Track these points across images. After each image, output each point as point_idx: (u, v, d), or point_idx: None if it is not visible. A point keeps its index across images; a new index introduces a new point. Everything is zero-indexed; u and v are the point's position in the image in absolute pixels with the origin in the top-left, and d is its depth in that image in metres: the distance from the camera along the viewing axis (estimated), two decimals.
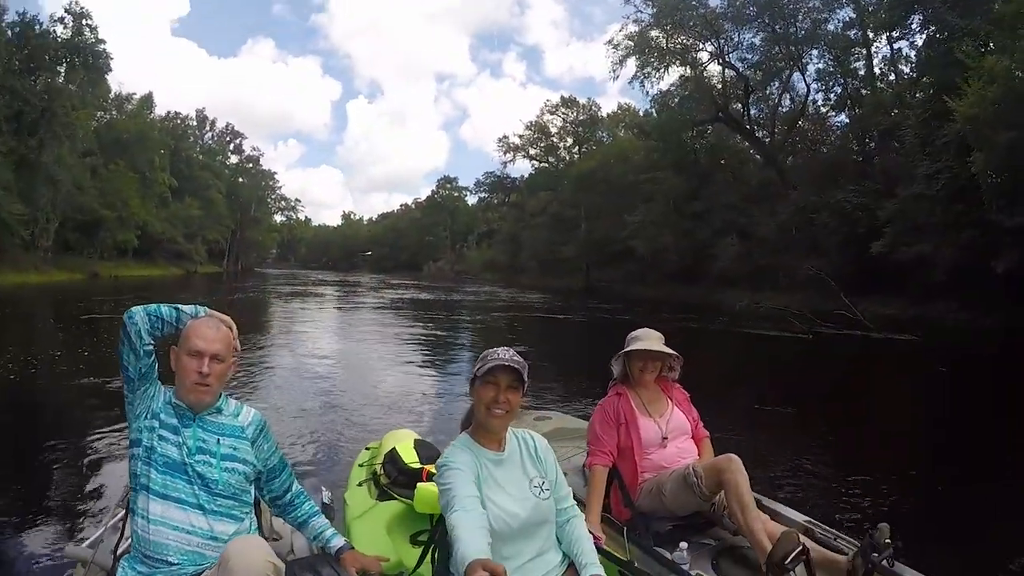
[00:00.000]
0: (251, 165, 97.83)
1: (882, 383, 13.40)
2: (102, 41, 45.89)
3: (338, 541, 2.64)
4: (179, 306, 2.42)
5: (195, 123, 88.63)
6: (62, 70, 44.86)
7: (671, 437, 3.59)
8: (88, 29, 44.71)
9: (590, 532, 2.64)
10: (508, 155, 76.08)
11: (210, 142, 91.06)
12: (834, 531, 3.22)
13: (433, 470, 2.71)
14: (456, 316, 28.20)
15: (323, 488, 3.64)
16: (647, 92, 47.83)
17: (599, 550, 2.70)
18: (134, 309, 2.34)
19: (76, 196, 46.27)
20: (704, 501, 3.27)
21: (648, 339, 3.64)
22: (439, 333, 20.72)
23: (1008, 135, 19.77)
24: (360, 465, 4.16)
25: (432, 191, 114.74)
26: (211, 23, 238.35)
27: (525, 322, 26.88)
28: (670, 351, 3.66)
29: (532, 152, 74.64)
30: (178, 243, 68.64)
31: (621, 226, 47.32)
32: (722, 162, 46.79)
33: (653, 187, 46.10)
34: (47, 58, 41.60)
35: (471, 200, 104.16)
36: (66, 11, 43.99)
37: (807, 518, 3.37)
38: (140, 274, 55.18)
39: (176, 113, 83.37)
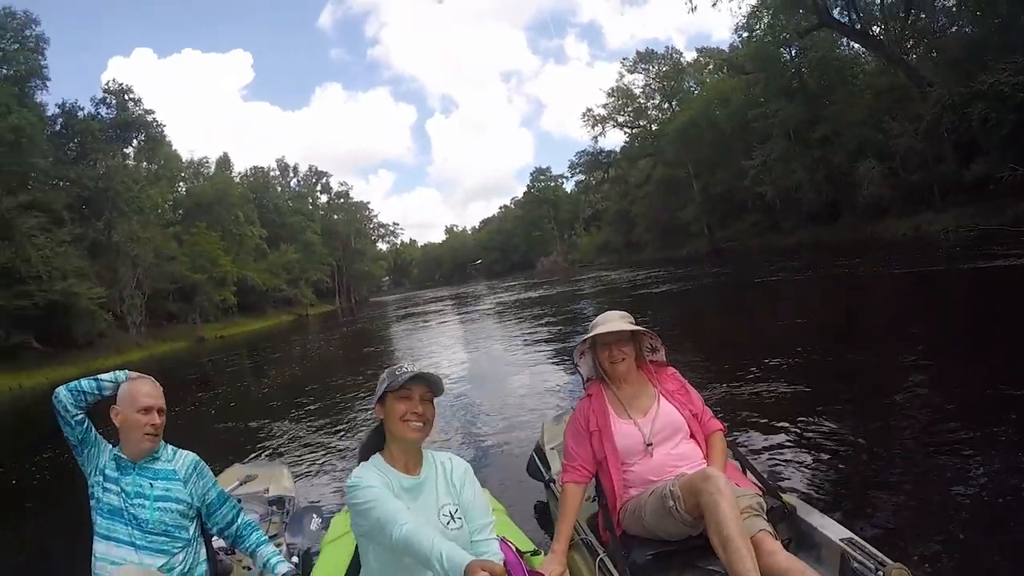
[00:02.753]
0: (342, 200, 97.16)
1: None
2: (150, 111, 45.76)
3: (282, 568, 2.85)
4: (99, 377, 2.81)
5: (277, 172, 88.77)
6: (129, 149, 45.94)
7: (658, 441, 3.02)
8: (132, 103, 44.29)
9: (536, 571, 2.62)
10: (596, 128, 69.76)
11: (296, 187, 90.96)
12: (879, 556, 2.49)
13: None
14: (558, 312, 24.75)
15: (314, 516, 4.13)
16: (735, 10, 41.67)
17: None
18: (58, 389, 2.73)
19: (164, 266, 46.01)
20: (690, 527, 2.68)
21: (608, 321, 3.13)
22: (536, 335, 17.65)
23: None
24: None
25: (528, 185, 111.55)
26: (277, 83, 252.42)
27: (628, 305, 22.49)
28: (637, 328, 3.10)
29: (620, 119, 68.44)
30: (283, 290, 68.72)
31: (740, 174, 41.81)
32: (821, 82, 39.53)
33: (767, 122, 39.87)
34: (93, 139, 40.99)
35: (568, 186, 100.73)
36: (105, 91, 43.84)
37: (847, 535, 2.69)
38: (248, 328, 55.08)
39: (257, 167, 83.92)
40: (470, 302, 42.99)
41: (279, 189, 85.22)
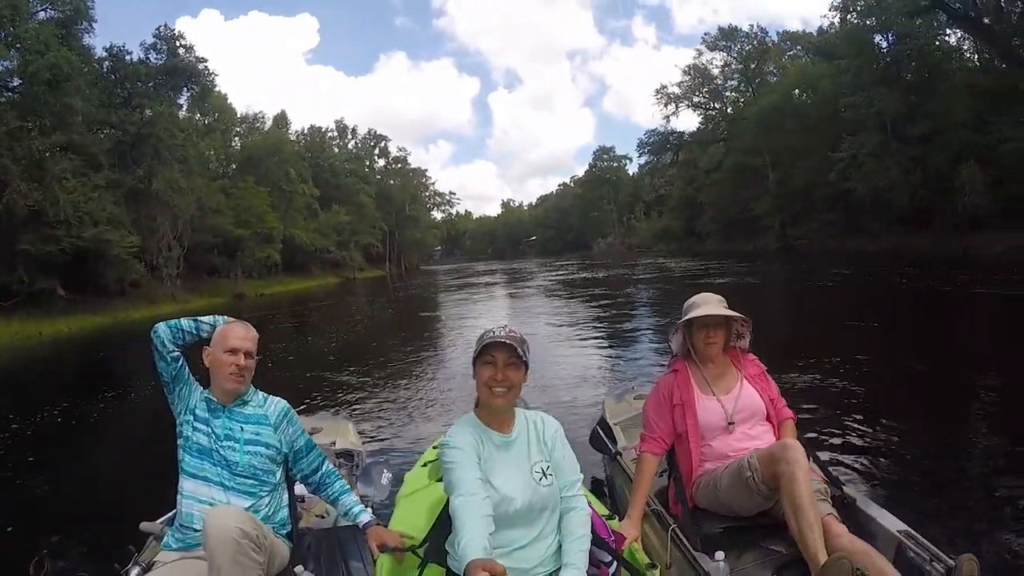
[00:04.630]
0: (399, 165, 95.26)
1: None
2: (202, 60, 44.00)
3: (364, 517, 2.97)
4: (198, 318, 2.91)
5: (335, 133, 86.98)
6: (183, 100, 45.28)
7: (739, 420, 3.12)
8: (183, 49, 42.70)
9: (617, 532, 2.79)
10: (669, 107, 64.49)
11: (353, 150, 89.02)
12: (933, 549, 2.59)
13: None
14: (611, 295, 24.71)
15: (385, 471, 3.86)
16: None
17: (616, 553, 2.61)
18: (158, 324, 2.83)
19: (208, 219, 44.68)
20: (764, 499, 2.80)
21: (708, 303, 3.21)
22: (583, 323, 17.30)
23: None
24: (434, 447, 4.21)
25: (590, 164, 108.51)
26: (342, 48, 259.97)
27: (684, 294, 22.14)
28: (735, 314, 3.20)
29: (696, 100, 63.72)
30: (331, 251, 67.28)
31: (823, 167, 38.21)
32: (921, 74, 35.84)
33: (859, 113, 36.06)
34: (141, 85, 39.57)
35: (631, 169, 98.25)
36: (156, 37, 42.15)
37: (904, 528, 2.78)
38: (291, 288, 53.61)
39: (314, 127, 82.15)
40: (522, 278, 43.40)
41: (336, 150, 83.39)
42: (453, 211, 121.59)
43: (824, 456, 4.62)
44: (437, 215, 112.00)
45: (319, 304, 34.23)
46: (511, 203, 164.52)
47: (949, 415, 6.65)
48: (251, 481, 2.74)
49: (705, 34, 63.52)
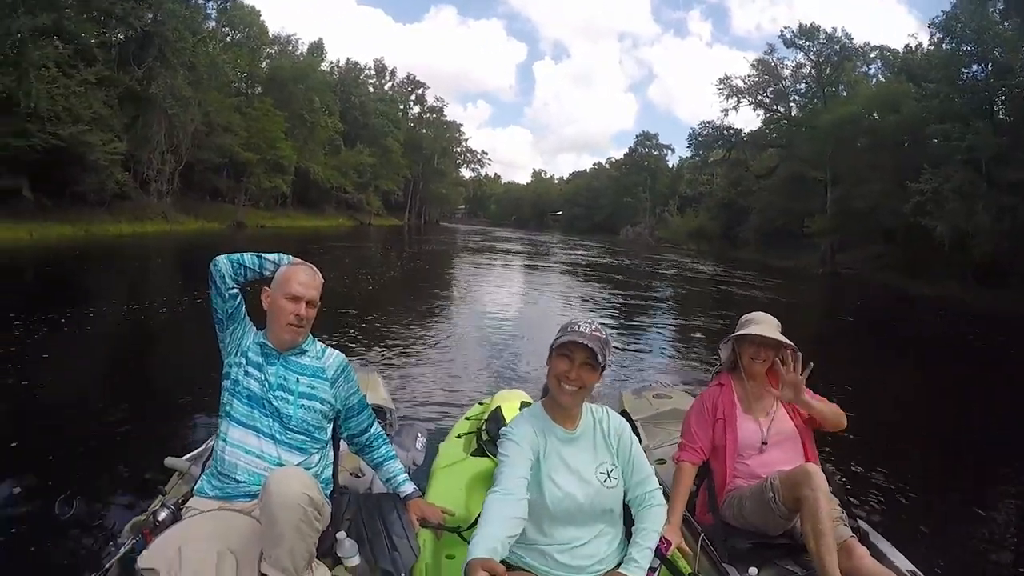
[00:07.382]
0: (434, 115, 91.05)
1: None
2: None
3: (407, 487, 2.78)
4: (263, 255, 2.63)
5: (373, 72, 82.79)
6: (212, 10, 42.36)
7: (772, 442, 3.16)
8: None
9: (663, 536, 2.49)
10: (730, 100, 58.20)
11: (389, 92, 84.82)
12: None
13: None
14: (631, 288, 24.19)
15: (419, 435, 4.05)
16: None
17: (664, 556, 2.50)
18: (219, 257, 2.54)
19: (217, 136, 41.02)
20: (785, 520, 2.85)
21: (763, 323, 3.22)
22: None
23: None
24: (467, 419, 4.27)
25: (631, 147, 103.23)
26: None
27: (712, 300, 23.35)
28: (785, 340, 3.16)
29: (759, 98, 57.79)
30: (348, 192, 64.05)
31: (892, 195, 34.04)
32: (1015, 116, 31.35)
33: (949, 145, 31.11)
34: None
35: (671, 161, 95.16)
36: None
37: (912, 568, 2.82)
38: (299, 224, 50.70)
39: (351, 61, 77.87)
40: (544, 252, 42.88)
41: (371, 89, 79.32)
42: (483, 172, 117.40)
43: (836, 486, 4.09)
44: (466, 173, 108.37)
45: (331, 246, 31.51)
46: (543, 174, 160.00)
47: (964, 466, 6.79)
48: (303, 437, 2.53)
49: (785, 27, 57.59)
